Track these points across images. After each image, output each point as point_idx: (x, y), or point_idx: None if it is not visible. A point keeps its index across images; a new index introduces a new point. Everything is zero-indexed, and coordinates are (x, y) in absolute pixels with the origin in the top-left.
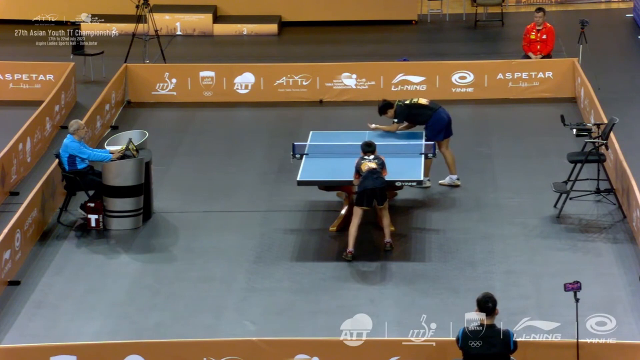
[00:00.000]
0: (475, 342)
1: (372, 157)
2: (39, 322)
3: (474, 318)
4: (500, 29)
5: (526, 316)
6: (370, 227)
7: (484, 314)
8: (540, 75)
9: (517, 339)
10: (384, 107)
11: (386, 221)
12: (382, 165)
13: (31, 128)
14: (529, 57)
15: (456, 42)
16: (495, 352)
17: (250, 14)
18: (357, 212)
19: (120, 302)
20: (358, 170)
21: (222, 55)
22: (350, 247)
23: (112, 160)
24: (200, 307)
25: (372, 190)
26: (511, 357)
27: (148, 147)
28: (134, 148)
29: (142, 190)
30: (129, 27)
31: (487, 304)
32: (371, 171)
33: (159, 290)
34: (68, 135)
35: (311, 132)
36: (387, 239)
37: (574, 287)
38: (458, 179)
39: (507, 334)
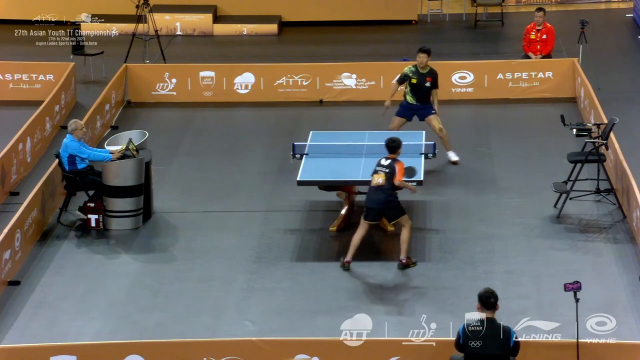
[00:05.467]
0: (475, 342)
1: (387, 162)
2: (39, 322)
3: (475, 317)
4: (500, 29)
5: (526, 316)
6: (371, 227)
7: (485, 309)
8: (540, 75)
9: (518, 339)
10: (428, 51)
11: (403, 236)
12: (390, 174)
13: (31, 128)
14: (529, 57)
15: (456, 42)
16: (496, 352)
17: (250, 14)
18: (363, 224)
19: (120, 302)
20: (375, 170)
21: (222, 55)
22: (348, 257)
23: (112, 160)
24: (200, 307)
25: (373, 210)
26: (510, 358)
27: (148, 147)
28: (134, 148)
29: (142, 190)
30: (129, 27)
31: (489, 299)
32: (374, 188)
33: (159, 290)
34: (68, 135)
35: (311, 132)
36: (401, 255)
37: (574, 287)
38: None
39: (508, 333)
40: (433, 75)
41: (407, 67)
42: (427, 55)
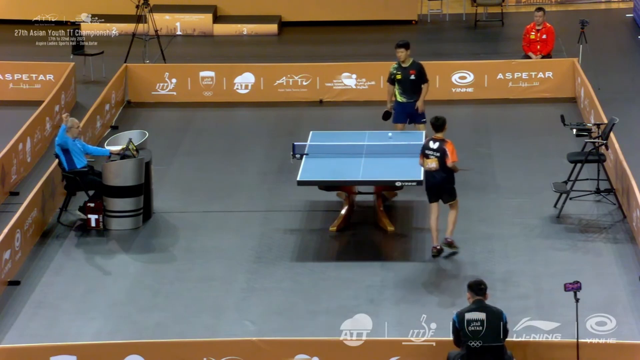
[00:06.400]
0: (475, 343)
1: (436, 145)
2: (39, 322)
3: (474, 317)
4: (500, 29)
5: (526, 316)
6: (371, 227)
7: (476, 295)
8: (540, 75)
9: (518, 339)
10: (403, 45)
11: (451, 217)
12: (442, 156)
13: (31, 128)
14: (529, 57)
15: (456, 42)
16: (495, 344)
17: (250, 14)
18: (432, 207)
19: (120, 302)
20: (423, 152)
21: (222, 55)
22: (434, 242)
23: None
24: (200, 307)
25: (432, 189)
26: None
27: (148, 147)
28: (134, 148)
29: (142, 190)
30: (129, 27)
31: (480, 286)
32: (430, 172)
33: (159, 290)
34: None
35: (311, 132)
36: (447, 234)
37: (574, 287)
38: None
39: (505, 323)
40: (417, 67)
41: (392, 66)
42: (403, 49)
